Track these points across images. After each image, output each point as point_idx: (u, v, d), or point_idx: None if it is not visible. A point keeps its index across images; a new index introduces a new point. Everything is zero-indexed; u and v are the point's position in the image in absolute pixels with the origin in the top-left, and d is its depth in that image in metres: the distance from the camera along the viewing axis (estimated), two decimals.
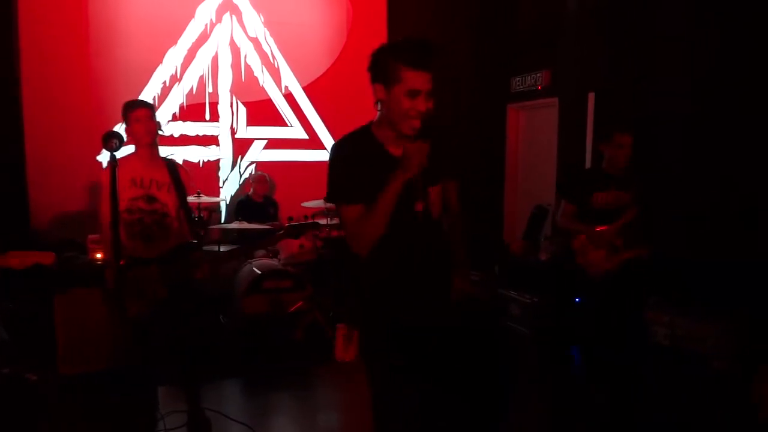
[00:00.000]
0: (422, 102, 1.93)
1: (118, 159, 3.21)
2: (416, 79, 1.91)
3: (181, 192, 3.30)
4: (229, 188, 6.12)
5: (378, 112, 2.04)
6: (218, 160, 6.06)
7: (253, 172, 5.96)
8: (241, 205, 5.69)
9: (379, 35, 6.48)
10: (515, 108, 6.77)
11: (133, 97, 5.50)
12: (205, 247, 5.03)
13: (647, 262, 3.71)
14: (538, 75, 6.17)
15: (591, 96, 5.52)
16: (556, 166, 5.97)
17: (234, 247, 4.39)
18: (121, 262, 2.75)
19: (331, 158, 2.07)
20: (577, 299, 4.81)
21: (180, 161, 5.78)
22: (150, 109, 3.23)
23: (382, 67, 1.95)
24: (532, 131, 6.64)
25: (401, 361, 2.08)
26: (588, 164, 5.48)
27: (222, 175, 6.09)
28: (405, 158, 1.92)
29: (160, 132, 3.33)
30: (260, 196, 5.72)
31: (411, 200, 1.99)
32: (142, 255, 3.19)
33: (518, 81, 6.50)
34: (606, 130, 3.67)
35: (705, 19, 4.54)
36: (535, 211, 5.90)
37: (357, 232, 1.99)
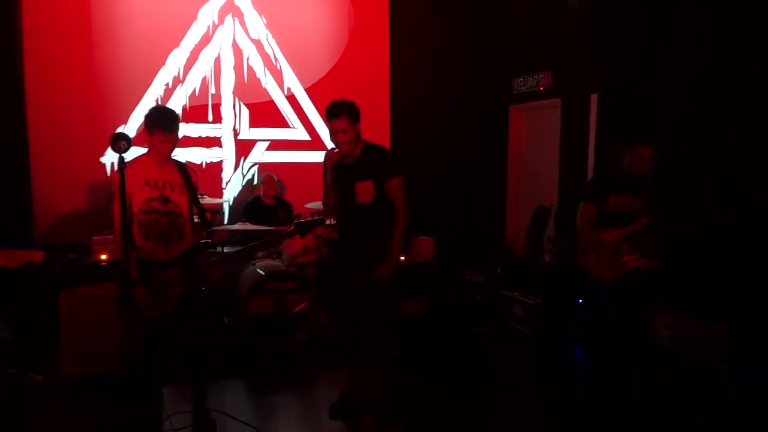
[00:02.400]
0: (340, 136, 3.28)
1: (130, 160, 3.24)
2: (332, 124, 3.30)
3: (193, 192, 3.32)
4: (231, 190, 6.13)
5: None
6: (221, 162, 6.08)
7: (262, 174, 5.93)
8: (249, 206, 5.69)
9: (380, 37, 6.51)
10: (517, 109, 6.77)
11: (136, 100, 5.63)
12: (210, 249, 5.05)
13: (656, 272, 3.67)
14: (540, 76, 6.17)
15: (594, 97, 5.53)
16: (558, 168, 5.98)
17: (239, 248, 4.39)
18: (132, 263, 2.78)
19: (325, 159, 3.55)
20: (580, 300, 4.83)
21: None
22: (176, 131, 3.22)
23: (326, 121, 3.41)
24: (535, 133, 6.65)
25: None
26: (590, 167, 5.49)
27: (225, 176, 6.10)
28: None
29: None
30: (270, 197, 5.71)
31: (346, 190, 3.36)
32: (162, 256, 3.21)
33: (520, 82, 6.50)
34: (628, 140, 3.64)
35: (706, 17, 4.55)
36: (537, 211, 5.90)
37: (323, 197, 3.56)
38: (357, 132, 3.32)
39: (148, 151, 3.25)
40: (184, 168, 3.34)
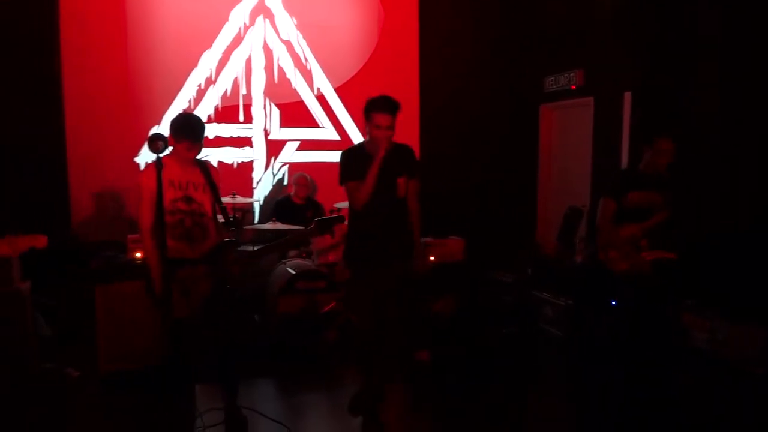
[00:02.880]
0: (385, 131, 3.25)
1: (153, 162, 3.30)
2: (380, 119, 3.26)
3: (215, 191, 3.36)
4: (262, 189, 6.19)
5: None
6: (252, 162, 6.14)
7: (295, 174, 5.95)
8: (279, 205, 5.73)
9: (410, 37, 6.50)
10: (549, 108, 6.70)
11: (170, 101, 5.71)
12: (240, 247, 5.10)
13: (677, 265, 3.73)
14: (572, 74, 6.09)
15: (627, 95, 5.43)
16: (591, 168, 5.90)
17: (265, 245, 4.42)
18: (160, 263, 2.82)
19: (341, 158, 3.48)
20: (612, 302, 4.75)
21: (215, 163, 5.91)
22: (202, 139, 3.27)
23: (366, 111, 3.34)
24: (566, 132, 6.56)
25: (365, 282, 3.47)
26: (624, 166, 5.40)
27: (255, 176, 6.16)
28: (375, 150, 3.30)
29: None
30: (301, 198, 5.74)
31: (384, 185, 3.31)
32: (189, 256, 3.25)
33: (551, 81, 6.43)
34: (648, 134, 3.75)
35: (743, 12, 4.44)
36: (568, 212, 5.82)
37: (355, 194, 3.37)
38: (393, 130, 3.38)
39: (171, 153, 3.29)
40: (206, 167, 3.38)
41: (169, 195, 3.22)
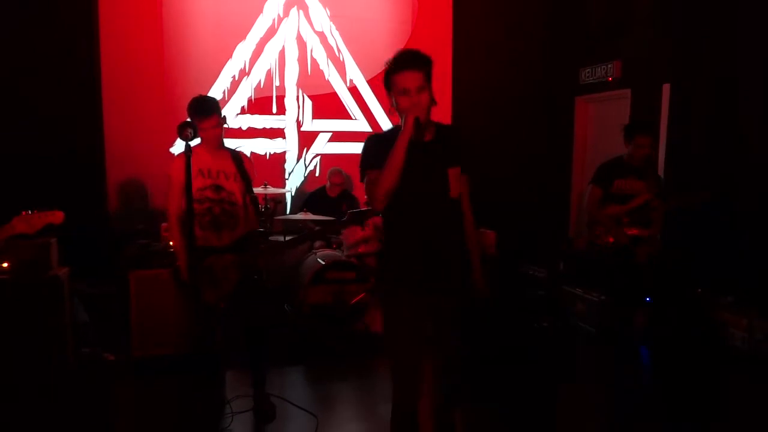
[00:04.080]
0: (414, 97, 2.33)
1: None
2: (403, 80, 2.34)
3: (247, 181, 3.38)
4: (294, 180, 6.23)
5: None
6: (284, 153, 6.18)
7: (331, 169, 5.91)
8: (312, 197, 5.76)
9: (444, 28, 6.44)
10: (584, 100, 6.57)
11: (205, 92, 5.72)
12: (271, 237, 5.15)
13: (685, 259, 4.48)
14: (609, 66, 5.96)
15: (666, 87, 5.29)
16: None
17: (296, 236, 4.45)
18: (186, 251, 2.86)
19: (365, 144, 2.53)
20: (647, 299, 4.67)
21: (248, 153, 5.96)
22: (214, 116, 3.27)
23: (385, 81, 2.43)
24: (602, 125, 6.43)
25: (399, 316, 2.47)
26: (662, 161, 5.29)
27: (287, 167, 6.21)
28: (405, 117, 2.33)
29: (225, 126, 3.42)
30: (336, 190, 5.76)
31: (424, 179, 2.40)
32: (215, 244, 3.30)
33: (588, 72, 6.30)
34: (628, 131, 4.35)
35: None
36: None
37: (373, 187, 2.39)
38: (432, 97, 2.40)
39: (201, 142, 3.33)
40: (238, 157, 3.41)
41: (197, 183, 3.26)
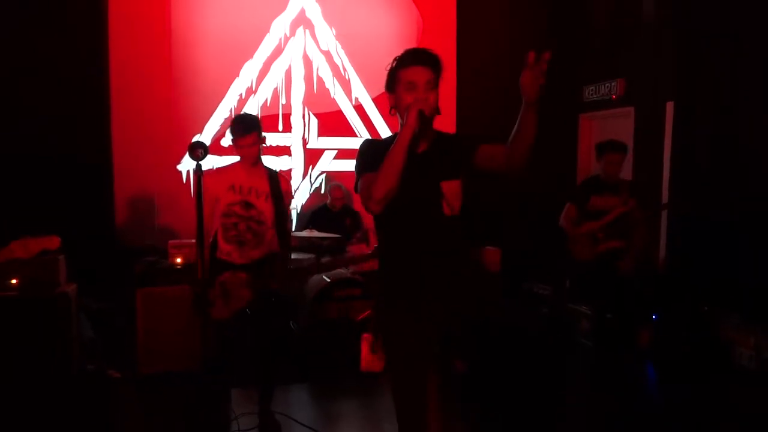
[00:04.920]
0: (421, 92, 2.15)
1: (223, 166, 3.43)
2: (410, 74, 2.17)
3: (278, 202, 3.36)
4: (300, 197, 6.27)
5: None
6: (290, 170, 6.22)
7: (330, 183, 5.99)
8: (315, 214, 5.78)
9: (448, 46, 6.50)
10: (588, 118, 6.61)
11: (212, 110, 5.84)
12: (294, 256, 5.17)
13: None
14: (613, 84, 6.01)
15: (669, 105, 5.33)
16: (630, 179, 5.79)
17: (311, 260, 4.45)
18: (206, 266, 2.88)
19: (360, 148, 2.37)
20: (653, 316, 4.67)
21: None
22: (254, 134, 3.29)
23: (389, 78, 2.27)
24: None
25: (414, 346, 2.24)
26: (666, 178, 5.31)
27: (294, 184, 6.25)
28: (408, 111, 2.13)
29: (264, 145, 3.42)
30: (337, 206, 5.80)
31: (422, 189, 2.20)
32: (236, 260, 3.32)
33: (591, 90, 6.35)
34: (599, 149, 4.59)
35: None
36: None
37: (370, 188, 2.13)
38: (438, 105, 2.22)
39: (240, 159, 3.37)
40: (275, 177, 3.40)
41: (228, 198, 3.30)
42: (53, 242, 2.92)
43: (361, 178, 2.27)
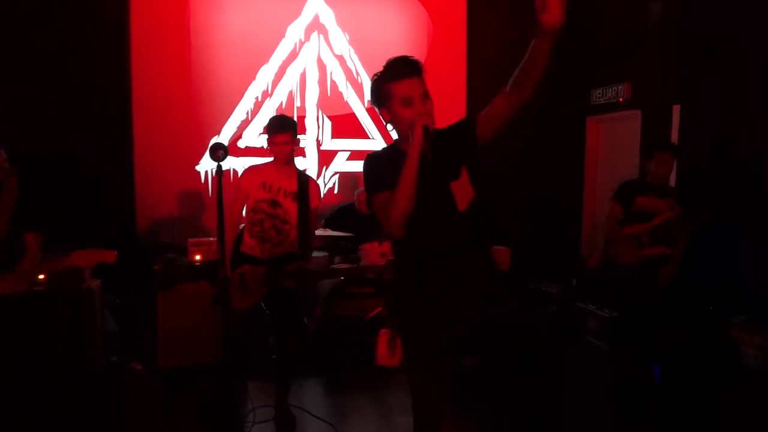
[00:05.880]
0: (419, 105, 2.14)
1: (257, 165, 3.55)
2: (404, 88, 2.13)
3: (303, 203, 3.45)
4: None
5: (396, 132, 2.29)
6: (304, 170, 6.34)
7: (357, 190, 5.86)
8: (342, 211, 5.71)
9: (458, 51, 6.62)
10: (595, 121, 6.69)
11: (229, 113, 5.99)
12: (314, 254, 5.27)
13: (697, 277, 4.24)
14: (620, 87, 6.08)
15: (676, 109, 5.40)
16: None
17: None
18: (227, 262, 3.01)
19: (365, 165, 2.35)
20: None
21: None
22: (289, 133, 3.41)
23: (377, 93, 2.22)
24: (613, 145, 6.55)
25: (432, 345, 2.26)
26: (673, 182, 5.36)
27: None
28: (412, 129, 2.12)
29: (298, 146, 3.58)
30: (364, 211, 5.79)
31: (436, 193, 2.18)
32: (256, 254, 3.45)
33: (599, 93, 6.43)
34: (648, 149, 4.29)
35: None
36: None
37: (386, 211, 2.16)
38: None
39: (273, 159, 3.51)
40: (304, 180, 3.51)
41: (258, 195, 3.44)
42: (111, 256, 3.12)
43: (372, 199, 2.27)
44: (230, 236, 3.45)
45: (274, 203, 3.46)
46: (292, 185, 3.48)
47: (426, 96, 2.17)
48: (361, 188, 5.87)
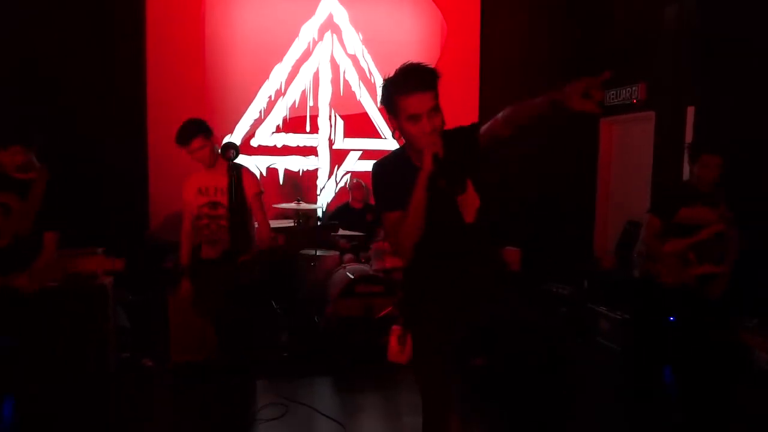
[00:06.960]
0: (426, 123, 2.03)
1: (193, 174, 3.57)
2: (412, 104, 2.02)
3: (232, 196, 3.27)
4: (326, 196, 6.44)
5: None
6: (316, 170, 6.40)
7: (351, 181, 6.18)
8: (338, 211, 5.97)
9: (472, 51, 6.61)
10: (609, 122, 6.65)
11: (242, 111, 6.04)
12: (303, 251, 5.34)
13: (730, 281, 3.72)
14: (634, 88, 6.05)
15: (690, 110, 5.36)
16: (650, 182, 5.83)
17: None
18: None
19: (373, 176, 2.28)
20: (671, 318, 4.69)
21: (281, 170, 6.20)
22: (198, 137, 3.42)
23: (386, 101, 2.12)
24: (626, 146, 6.51)
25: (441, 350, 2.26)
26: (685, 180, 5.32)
27: (320, 183, 6.42)
28: (422, 156, 2.06)
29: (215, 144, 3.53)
30: (359, 202, 5.96)
31: (443, 207, 2.14)
32: (212, 257, 3.51)
33: (612, 94, 6.39)
34: (694, 150, 3.76)
35: None
36: (627, 227, 5.79)
37: (397, 234, 2.14)
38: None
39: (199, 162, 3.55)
40: (232, 171, 3.26)
41: (198, 201, 3.50)
42: (119, 264, 3.25)
43: (383, 216, 2.24)
44: (185, 248, 3.62)
45: (214, 204, 3.50)
46: (223, 181, 3.42)
47: (435, 110, 2.05)
48: (355, 181, 5.96)
